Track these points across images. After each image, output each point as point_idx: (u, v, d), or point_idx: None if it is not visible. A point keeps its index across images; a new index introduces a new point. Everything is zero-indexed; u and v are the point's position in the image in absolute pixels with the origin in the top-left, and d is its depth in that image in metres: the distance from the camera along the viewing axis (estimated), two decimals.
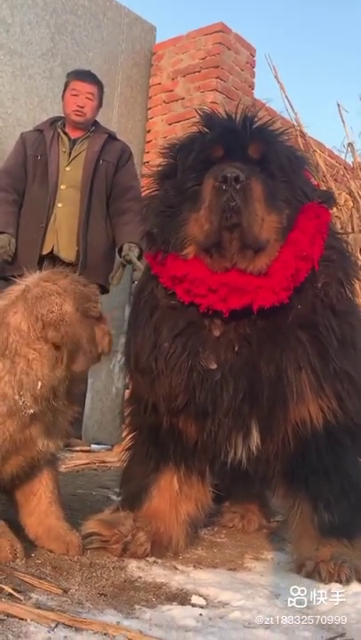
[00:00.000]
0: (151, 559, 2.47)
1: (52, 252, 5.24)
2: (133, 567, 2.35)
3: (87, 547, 2.44)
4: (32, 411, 2.22)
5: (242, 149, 2.50)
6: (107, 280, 5.38)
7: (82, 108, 5.27)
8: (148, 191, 2.73)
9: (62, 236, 5.26)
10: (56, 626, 1.64)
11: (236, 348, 2.46)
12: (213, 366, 2.44)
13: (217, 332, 2.47)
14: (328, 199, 2.67)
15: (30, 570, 2.13)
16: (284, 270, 2.40)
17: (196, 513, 2.72)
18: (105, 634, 1.64)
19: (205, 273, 2.41)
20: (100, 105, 5.47)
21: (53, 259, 5.24)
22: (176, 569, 2.42)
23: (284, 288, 2.40)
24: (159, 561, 2.48)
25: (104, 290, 5.39)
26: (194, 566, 2.49)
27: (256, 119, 2.62)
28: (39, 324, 2.20)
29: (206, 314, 2.44)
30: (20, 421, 2.22)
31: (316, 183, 2.76)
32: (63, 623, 1.66)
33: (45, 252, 5.23)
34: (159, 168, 2.72)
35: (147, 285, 2.64)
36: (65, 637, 1.59)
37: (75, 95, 5.29)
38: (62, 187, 5.33)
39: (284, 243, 2.45)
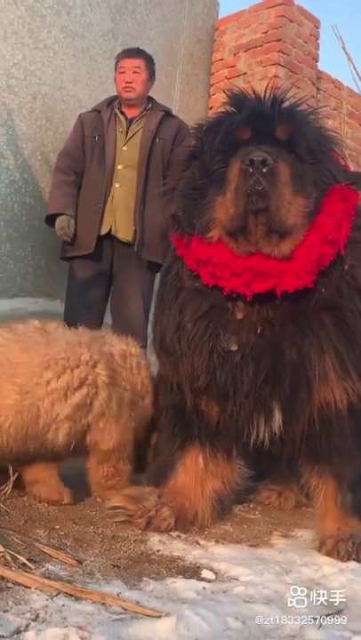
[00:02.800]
0: (174, 533, 2.57)
1: (109, 232, 5.32)
2: (155, 541, 2.45)
3: (112, 520, 2.56)
4: None
5: (270, 131, 2.48)
6: (164, 258, 5.42)
7: (130, 83, 5.28)
8: (177, 171, 2.76)
9: (120, 216, 5.31)
10: (57, 594, 1.75)
11: (259, 331, 2.48)
12: (234, 348, 2.48)
13: (240, 315, 2.50)
14: (358, 180, 2.64)
15: (52, 541, 2.26)
16: (308, 255, 2.39)
17: (223, 489, 2.79)
18: (103, 603, 1.74)
19: (229, 256, 2.42)
20: (150, 78, 5.45)
21: (112, 239, 5.33)
22: (197, 543, 2.50)
23: (309, 272, 2.39)
24: (182, 535, 2.57)
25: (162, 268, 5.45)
26: (216, 541, 2.57)
27: (285, 100, 2.61)
28: None
29: (230, 297, 2.47)
30: None
31: (344, 164, 2.72)
32: (65, 592, 1.76)
33: (103, 232, 5.30)
34: (188, 149, 2.74)
35: (173, 266, 2.69)
36: (63, 605, 1.69)
37: (122, 72, 5.31)
38: (119, 167, 5.38)
39: (311, 226, 2.44)
